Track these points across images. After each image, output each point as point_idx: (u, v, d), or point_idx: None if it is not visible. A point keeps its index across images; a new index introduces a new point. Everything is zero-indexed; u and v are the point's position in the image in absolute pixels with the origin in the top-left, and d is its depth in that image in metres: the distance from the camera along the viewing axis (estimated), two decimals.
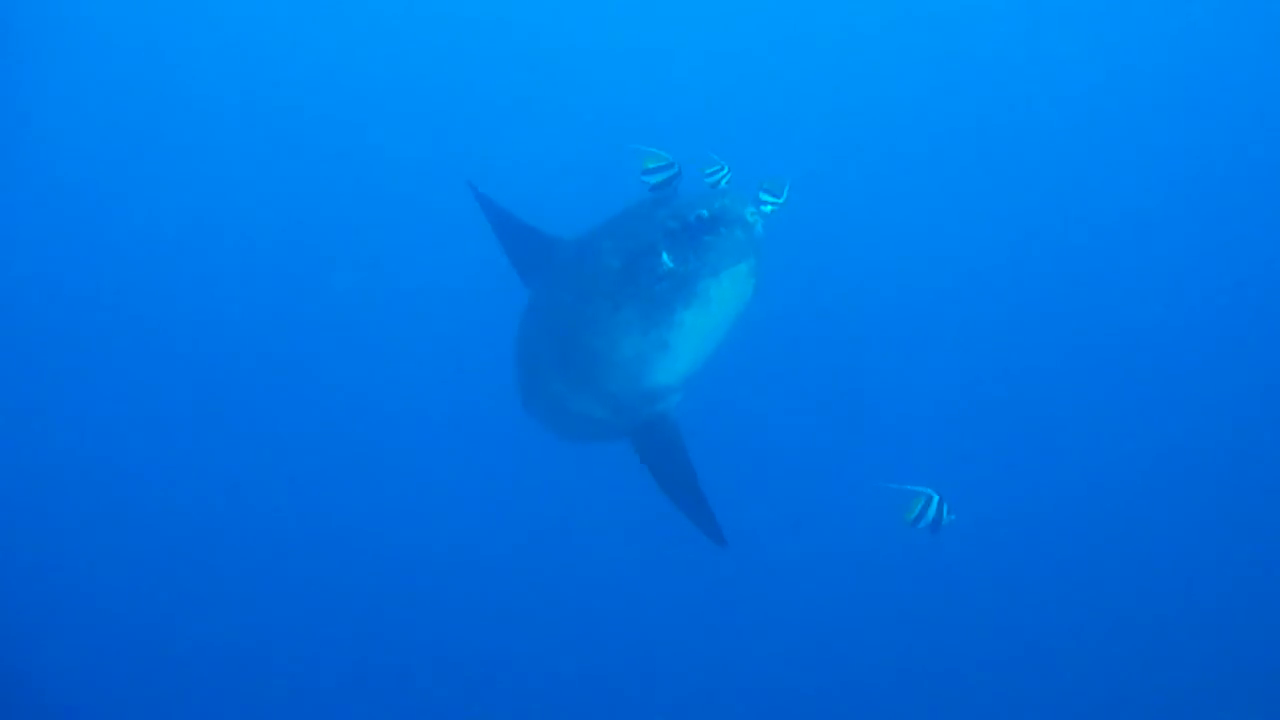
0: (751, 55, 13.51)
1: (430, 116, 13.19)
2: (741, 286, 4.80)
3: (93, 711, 8.80)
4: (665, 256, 4.70)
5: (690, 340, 4.82)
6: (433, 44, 14.13)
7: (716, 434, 5.75)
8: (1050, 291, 11.17)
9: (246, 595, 9.35)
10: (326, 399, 10.55)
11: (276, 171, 12.57)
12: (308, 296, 11.30)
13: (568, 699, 8.88)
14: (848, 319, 10.07)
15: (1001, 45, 13.37)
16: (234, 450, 10.20)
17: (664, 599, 8.97)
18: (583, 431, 5.66)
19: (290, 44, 14.11)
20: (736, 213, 4.71)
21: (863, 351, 10.05)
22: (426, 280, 10.95)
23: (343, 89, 13.63)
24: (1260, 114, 12.48)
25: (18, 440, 10.36)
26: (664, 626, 9.01)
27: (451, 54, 13.98)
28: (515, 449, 7.73)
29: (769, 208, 4.68)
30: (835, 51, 13.58)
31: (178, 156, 12.91)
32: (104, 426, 10.49)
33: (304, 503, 9.82)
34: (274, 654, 9.03)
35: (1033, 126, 12.56)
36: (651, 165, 4.70)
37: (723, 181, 4.77)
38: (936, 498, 4.24)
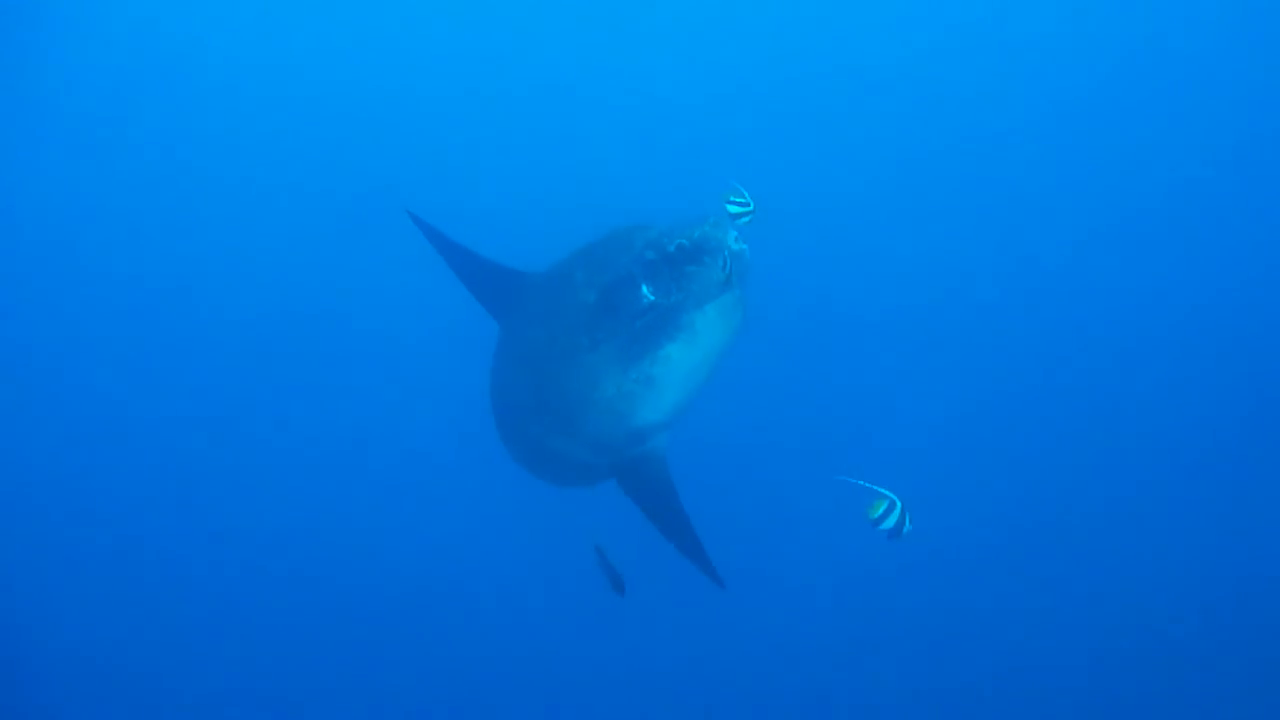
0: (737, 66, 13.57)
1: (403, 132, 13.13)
2: (729, 317, 4.54)
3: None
4: (645, 289, 4.46)
5: (677, 376, 4.55)
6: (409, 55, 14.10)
7: (693, 450, 5.57)
8: (1036, 300, 11.21)
9: (234, 608, 9.33)
10: (320, 412, 10.51)
11: (260, 186, 12.55)
12: (295, 311, 11.28)
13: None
14: (828, 326, 10.07)
15: (998, 48, 13.42)
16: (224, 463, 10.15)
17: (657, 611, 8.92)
18: (566, 476, 5.36)
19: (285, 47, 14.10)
20: (719, 240, 4.46)
21: (844, 362, 10.06)
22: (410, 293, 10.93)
23: (340, 98, 13.62)
24: (1253, 121, 12.51)
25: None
26: (659, 639, 8.98)
27: (433, 69, 13.98)
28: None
29: (745, 218, 4.40)
30: (823, 60, 13.66)
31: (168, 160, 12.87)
32: (88, 432, 10.45)
33: (298, 514, 9.77)
34: (265, 663, 9.05)
35: (1025, 134, 12.60)
36: (734, 199, 4.42)
37: (745, 219, 4.44)
38: (899, 504, 4.17)
